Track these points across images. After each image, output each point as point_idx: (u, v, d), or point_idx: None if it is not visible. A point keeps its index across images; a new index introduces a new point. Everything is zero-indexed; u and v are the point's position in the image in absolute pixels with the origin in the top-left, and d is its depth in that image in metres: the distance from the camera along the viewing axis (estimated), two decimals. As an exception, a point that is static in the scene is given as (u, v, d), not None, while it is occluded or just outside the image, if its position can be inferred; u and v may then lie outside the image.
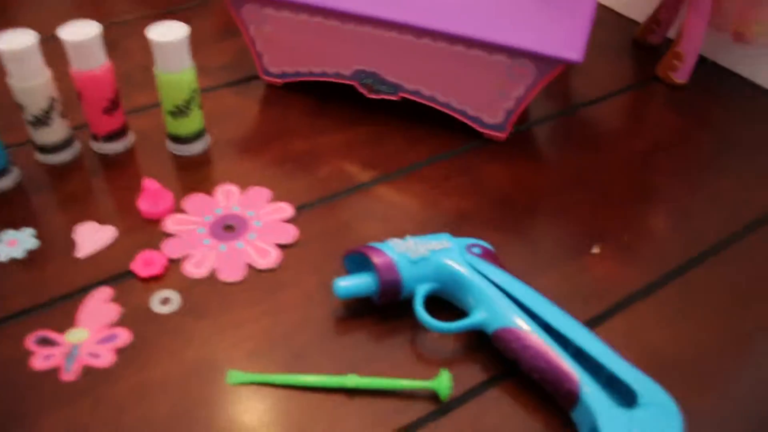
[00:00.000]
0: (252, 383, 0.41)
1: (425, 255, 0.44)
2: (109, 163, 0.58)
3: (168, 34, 0.52)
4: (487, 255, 0.46)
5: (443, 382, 0.40)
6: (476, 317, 0.43)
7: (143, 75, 0.65)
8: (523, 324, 0.41)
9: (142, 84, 0.66)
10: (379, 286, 0.44)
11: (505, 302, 0.42)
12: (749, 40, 0.69)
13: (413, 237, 0.46)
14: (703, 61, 0.76)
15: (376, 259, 0.44)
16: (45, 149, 0.56)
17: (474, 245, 0.46)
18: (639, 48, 0.79)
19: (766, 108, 0.70)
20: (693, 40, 0.69)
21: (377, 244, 0.45)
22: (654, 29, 0.78)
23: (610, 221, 0.55)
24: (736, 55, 0.74)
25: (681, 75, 0.71)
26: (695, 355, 0.45)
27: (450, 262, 0.44)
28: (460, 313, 0.46)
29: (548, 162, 0.61)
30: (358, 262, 0.46)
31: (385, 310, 0.46)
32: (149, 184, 0.51)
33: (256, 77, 0.68)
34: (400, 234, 0.48)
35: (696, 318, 0.48)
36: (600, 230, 0.54)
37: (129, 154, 0.59)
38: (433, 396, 0.41)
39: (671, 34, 0.78)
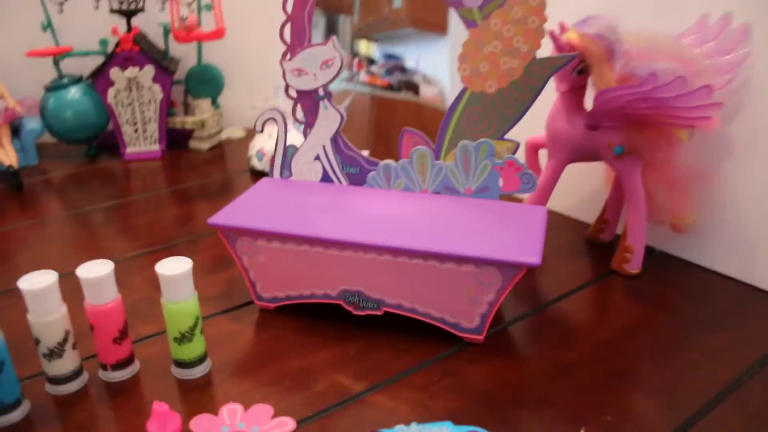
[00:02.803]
0: None
1: None
2: (114, 390, 0.61)
3: (174, 267, 0.59)
4: None
5: None
6: None
7: (147, 306, 0.71)
8: None
9: (146, 315, 0.71)
10: None
11: None
12: (684, 230, 0.78)
13: (418, 425, 0.50)
14: (651, 252, 0.84)
15: None
16: (56, 380, 0.60)
17: None
18: (593, 246, 0.88)
19: (713, 286, 0.78)
20: (638, 234, 0.78)
21: (385, 431, 0.49)
22: (603, 228, 0.87)
23: (591, 406, 0.59)
24: (679, 242, 0.83)
25: (633, 266, 0.79)
26: None
27: None
28: None
29: (526, 358, 0.66)
30: None
31: None
32: (158, 406, 0.55)
33: (249, 303, 0.74)
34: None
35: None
36: (582, 415, 0.57)
37: (134, 380, 0.63)
38: None
39: (619, 230, 0.87)
